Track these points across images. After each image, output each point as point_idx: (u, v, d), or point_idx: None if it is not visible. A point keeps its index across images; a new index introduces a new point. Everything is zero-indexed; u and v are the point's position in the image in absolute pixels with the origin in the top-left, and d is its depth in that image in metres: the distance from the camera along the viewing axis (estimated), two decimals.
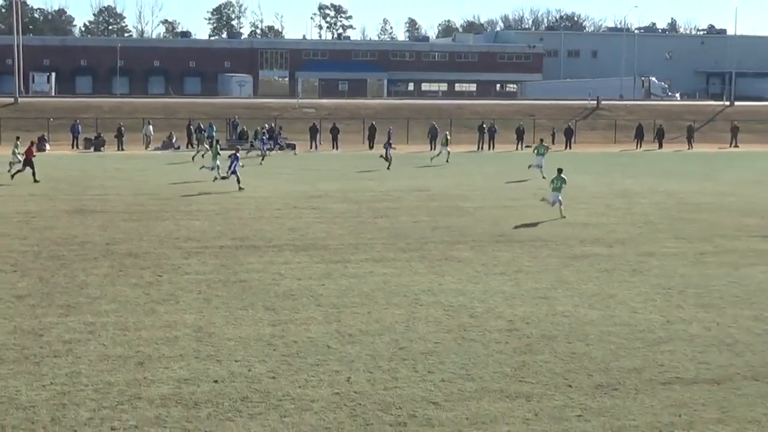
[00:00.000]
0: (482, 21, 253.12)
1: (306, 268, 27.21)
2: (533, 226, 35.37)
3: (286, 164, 61.73)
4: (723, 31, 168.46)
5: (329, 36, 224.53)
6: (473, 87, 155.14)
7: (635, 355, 19.06)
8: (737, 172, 57.96)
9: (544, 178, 49.68)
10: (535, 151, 54.83)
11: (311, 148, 76.06)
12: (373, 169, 56.53)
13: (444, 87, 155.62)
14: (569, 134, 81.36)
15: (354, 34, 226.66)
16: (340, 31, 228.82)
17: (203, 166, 51.53)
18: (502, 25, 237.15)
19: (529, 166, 53.83)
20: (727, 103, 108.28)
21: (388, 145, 60.26)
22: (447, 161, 61.88)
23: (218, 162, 49.30)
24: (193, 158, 61.27)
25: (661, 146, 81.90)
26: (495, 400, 16.29)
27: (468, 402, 16.20)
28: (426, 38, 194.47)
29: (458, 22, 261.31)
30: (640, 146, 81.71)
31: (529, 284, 25.48)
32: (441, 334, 20.45)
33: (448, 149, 63.67)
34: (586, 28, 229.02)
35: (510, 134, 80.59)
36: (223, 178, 47.02)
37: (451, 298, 23.77)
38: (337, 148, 76.06)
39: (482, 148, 78.57)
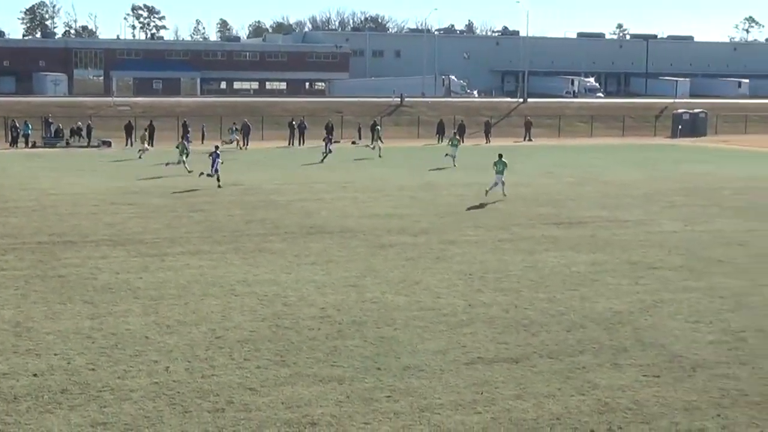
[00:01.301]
0: (291, 22, 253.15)
1: (123, 262, 26.73)
2: (343, 218, 35.57)
3: (102, 161, 60.42)
4: (516, 33, 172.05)
5: (143, 36, 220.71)
6: (283, 85, 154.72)
7: (440, 338, 19.40)
8: (531, 165, 59.50)
9: (455, 166, 57.13)
10: (450, 143, 60.88)
11: (127, 145, 74.60)
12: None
13: (255, 85, 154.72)
14: (375, 129, 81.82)
15: (167, 35, 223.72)
16: (154, 31, 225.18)
17: (168, 162, 52.66)
18: (310, 26, 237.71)
19: (446, 155, 59.03)
20: (521, 99, 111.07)
21: (328, 140, 62.83)
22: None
23: (184, 158, 51.45)
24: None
25: (462, 141, 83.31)
26: (309, 384, 16.35)
27: (283, 387, 16.21)
28: (237, 38, 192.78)
29: (268, 23, 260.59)
30: (442, 141, 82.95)
31: (339, 273, 25.64)
32: (256, 322, 20.40)
33: (381, 144, 65.38)
34: (390, 30, 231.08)
35: (319, 130, 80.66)
36: (209, 175, 45.85)
37: (265, 288, 23.73)
38: (152, 145, 74.77)
39: (293, 144, 78.48)
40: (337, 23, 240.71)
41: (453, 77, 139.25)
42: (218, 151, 46.89)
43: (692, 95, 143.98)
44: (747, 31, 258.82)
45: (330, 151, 61.63)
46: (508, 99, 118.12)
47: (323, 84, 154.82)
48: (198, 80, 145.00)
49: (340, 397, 15.77)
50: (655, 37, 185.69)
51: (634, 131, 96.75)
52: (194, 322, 20.42)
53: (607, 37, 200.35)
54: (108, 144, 73.62)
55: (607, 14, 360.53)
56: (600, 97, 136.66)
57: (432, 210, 38.22)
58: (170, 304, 21.90)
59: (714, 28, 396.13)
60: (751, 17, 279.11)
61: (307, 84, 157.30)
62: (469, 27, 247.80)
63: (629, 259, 28.18)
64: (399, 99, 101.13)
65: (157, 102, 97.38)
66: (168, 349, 18.32)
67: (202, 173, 46.28)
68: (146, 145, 65.35)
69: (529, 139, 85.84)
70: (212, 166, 45.70)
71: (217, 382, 16.42)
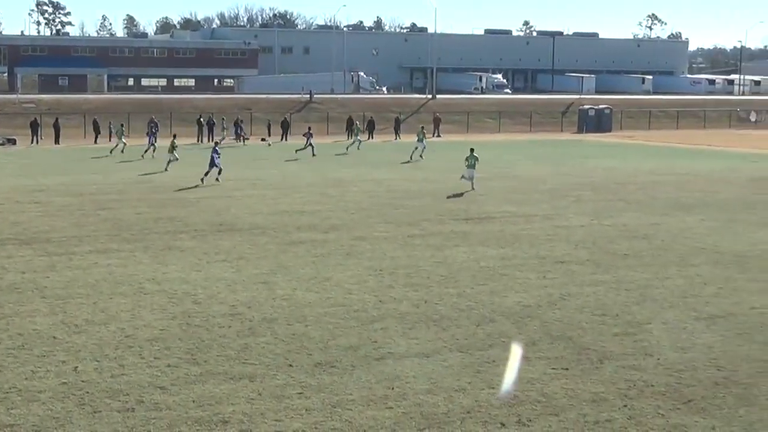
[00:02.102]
0: (199, 18, 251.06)
1: (30, 262, 26.28)
2: (252, 215, 35.41)
3: (7, 159, 59.34)
4: (425, 30, 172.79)
5: (48, 32, 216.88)
6: (192, 82, 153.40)
7: (351, 334, 19.43)
8: (439, 161, 59.82)
9: (421, 158, 60.32)
10: (417, 138, 63.26)
11: (32, 143, 73.35)
12: (97, 162, 55.06)
13: (164, 82, 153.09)
14: (285, 127, 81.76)
15: (73, 31, 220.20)
16: (59, 27, 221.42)
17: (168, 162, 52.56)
18: (218, 22, 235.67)
19: (415, 149, 61.90)
20: (430, 96, 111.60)
21: (309, 135, 64.48)
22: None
23: (176, 154, 52.43)
24: None
25: (371, 137, 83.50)
26: (220, 382, 16.26)
27: (194, 385, 16.10)
28: (145, 35, 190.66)
29: (176, 19, 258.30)
30: (351, 137, 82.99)
31: (249, 270, 25.53)
32: (166, 321, 20.22)
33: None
34: (299, 26, 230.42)
35: (228, 127, 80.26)
36: (206, 173, 46.04)
37: (175, 286, 23.53)
38: (58, 142, 73.70)
39: (201, 141, 77.87)
40: (245, 20, 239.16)
41: (362, 73, 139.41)
42: (217, 148, 47.72)
43: (597, 91, 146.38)
44: (650, 28, 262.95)
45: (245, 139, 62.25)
46: (417, 95, 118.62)
47: (232, 81, 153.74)
48: (105, 77, 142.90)
49: (252, 395, 15.71)
50: (561, 34, 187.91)
51: (541, 127, 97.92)
52: (103, 321, 20.16)
53: (514, 34, 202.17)
54: (13, 142, 72.39)
55: (514, 11, 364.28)
56: (507, 94, 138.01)
57: (341, 206, 38.24)
58: (78, 304, 21.59)
59: (618, 26, 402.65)
60: (654, 15, 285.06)
61: (216, 81, 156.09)
62: (378, 23, 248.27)
63: (537, 254, 28.50)
64: (308, 96, 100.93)
65: (63, 99, 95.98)
66: (76, 349, 18.06)
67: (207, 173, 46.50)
68: (123, 140, 65.10)
69: (438, 135, 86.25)
70: (211, 164, 46.24)
71: (127, 382, 16.24)
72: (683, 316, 21.34)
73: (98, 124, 75.79)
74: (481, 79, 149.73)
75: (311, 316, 20.81)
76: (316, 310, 21.34)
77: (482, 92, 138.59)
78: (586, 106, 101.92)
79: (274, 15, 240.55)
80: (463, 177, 44.51)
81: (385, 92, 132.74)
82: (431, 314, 21.14)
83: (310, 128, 67.17)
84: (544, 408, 15.34)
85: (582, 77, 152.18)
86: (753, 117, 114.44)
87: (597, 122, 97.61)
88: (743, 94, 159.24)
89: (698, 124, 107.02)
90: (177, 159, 52.12)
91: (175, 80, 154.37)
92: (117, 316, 20.55)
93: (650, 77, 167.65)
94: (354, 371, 17.01)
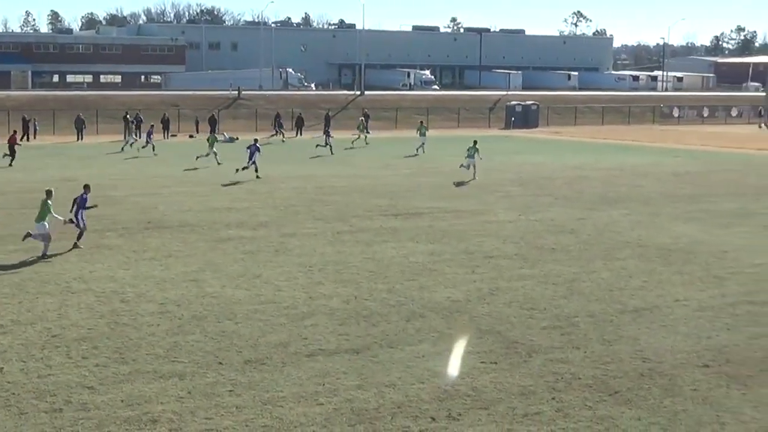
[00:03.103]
0: (125, 14, 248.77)
1: None
2: (181, 212, 35.16)
3: None
4: (353, 26, 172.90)
5: None
6: (118, 78, 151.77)
7: (281, 331, 19.38)
8: (368, 157, 59.87)
9: (423, 152, 61.96)
10: (419, 132, 64.54)
11: None
12: (21, 160, 54.28)
13: (89, 78, 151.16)
14: (213, 123, 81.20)
15: None
16: None
17: (199, 156, 53.27)
18: (144, 18, 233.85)
19: (419, 147, 62.84)
20: (358, 92, 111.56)
21: (327, 133, 64.90)
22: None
23: (215, 149, 54.03)
24: None
25: (300, 133, 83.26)
26: (149, 381, 16.13)
27: (122, 384, 15.95)
28: (70, 31, 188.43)
29: (101, 15, 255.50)
30: (279, 134, 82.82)
31: (178, 268, 25.35)
32: (94, 320, 20.00)
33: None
34: (226, 22, 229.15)
35: (156, 124, 79.57)
36: (244, 168, 46.83)
37: (102, 284, 23.28)
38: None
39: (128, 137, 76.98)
40: (172, 15, 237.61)
41: (290, 70, 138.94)
42: (258, 144, 48.39)
43: (524, 87, 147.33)
44: (576, 25, 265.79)
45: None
46: (346, 92, 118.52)
47: (159, 77, 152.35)
48: (29, 73, 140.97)
49: (182, 393, 15.60)
50: (488, 30, 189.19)
51: (469, 123, 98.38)
52: (29, 321, 19.88)
53: (442, 30, 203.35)
54: None
55: (441, 8, 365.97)
56: (435, 90, 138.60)
57: (270, 203, 38.11)
58: (3, 303, 21.26)
59: (544, 23, 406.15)
60: (579, 12, 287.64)
61: (143, 77, 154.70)
62: (306, 20, 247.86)
63: (466, 249, 28.65)
64: (236, 92, 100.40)
65: None
66: (2, 350, 17.79)
67: (237, 169, 47.14)
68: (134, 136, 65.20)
69: (367, 132, 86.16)
70: (250, 159, 46.94)
71: (54, 382, 16.04)
72: (609, 309, 21.59)
73: (27, 120, 74.60)
74: (409, 76, 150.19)
75: (241, 313, 20.72)
76: (246, 307, 21.26)
77: (410, 88, 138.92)
78: (513, 102, 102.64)
79: (201, 11, 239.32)
80: (462, 166, 48.13)
81: (314, 89, 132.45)
82: (361, 310, 21.15)
83: (328, 123, 67.75)
84: (473, 402, 15.44)
85: (509, 74, 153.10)
86: (734, 112, 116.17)
87: (524, 118, 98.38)
88: (666, 90, 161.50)
89: (623, 119, 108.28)
90: (211, 154, 53.97)
91: (101, 77, 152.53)
92: (43, 316, 20.28)
93: (576, 73, 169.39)
94: (284, 368, 16.97)
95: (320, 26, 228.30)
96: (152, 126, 66.90)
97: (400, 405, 15.24)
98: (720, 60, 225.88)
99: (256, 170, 46.56)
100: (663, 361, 17.70)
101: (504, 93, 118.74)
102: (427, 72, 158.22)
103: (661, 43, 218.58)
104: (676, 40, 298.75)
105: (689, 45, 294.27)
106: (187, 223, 32.87)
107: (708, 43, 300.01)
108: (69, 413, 14.66)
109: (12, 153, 53.42)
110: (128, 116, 78.48)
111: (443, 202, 38.98)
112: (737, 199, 41.44)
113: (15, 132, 57.77)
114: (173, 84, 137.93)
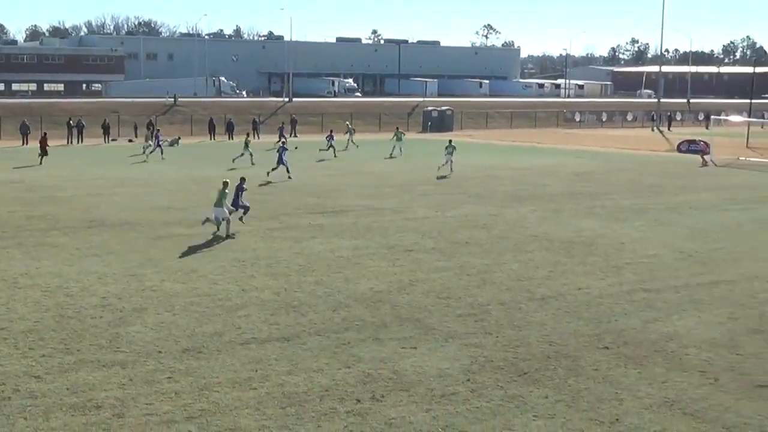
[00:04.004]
0: (67, 26, 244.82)
1: None
2: (122, 212, 34.75)
3: None
4: (281, 38, 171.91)
5: None
6: (61, 87, 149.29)
7: (216, 321, 19.27)
8: (297, 158, 59.59)
9: (398, 154, 62.41)
10: (395, 138, 64.65)
11: None
12: None
13: (33, 87, 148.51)
14: (151, 128, 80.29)
15: None
16: None
17: (236, 157, 54.30)
18: (86, 30, 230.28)
19: (393, 149, 63.25)
20: (287, 99, 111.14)
21: (330, 137, 63.42)
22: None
23: (250, 150, 55.43)
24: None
25: (231, 138, 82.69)
26: (93, 370, 15.94)
27: (67, 373, 15.74)
28: (14, 42, 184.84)
29: (45, 26, 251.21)
30: (214, 138, 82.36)
31: (119, 264, 25.06)
32: (40, 313, 19.70)
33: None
34: (163, 34, 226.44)
35: (97, 129, 78.69)
36: (273, 169, 46.93)
37: (48, 280, 22.94)
38: None
39: (72, 143, 75.95)
40: (112, 27, 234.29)
41: (223, 78, 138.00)
42: (285, 146, 48.73)
43: (440, 94, 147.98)
44: (486, 37, 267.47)
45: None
46: (275, 98, 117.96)
47: (100, 85, 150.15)
48: None
49: (123, 381, 15.44)
50: (407, 41, 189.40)
51: (389, 127, 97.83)
52: None
53: (364, 41, 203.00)
54: None
55: (363, 21, 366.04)
56: (358, 97, 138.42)
57: (205, 203, 37.71)
58: None
59: (457, 35, 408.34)
60: (489, 25, 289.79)
61: (84, 85, 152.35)
62: (237, 32, 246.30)
63: (387, 243, 28.72)
64: (173, 99, 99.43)
65: None
66: None
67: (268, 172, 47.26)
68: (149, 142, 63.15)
69: (295, 136, 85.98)
70: (279, 161, 47.19)
71: (2, 372, 15.77)
72: (519, 297, 21.81)
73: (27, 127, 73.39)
74: (333, 84, 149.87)
75: (179, 305, 20.56)
76: (183, 299, 21.10)
77: (335, 95, 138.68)
78: (430, 108, 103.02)
79: (139, 23, 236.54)
80: (442, 165, 49.91)
81: (245, 96, 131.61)
82: (291, 301, 21.11)
83: (332, 131, 67.47)
84: (395, 384, 15.49)
85: (425, 81, 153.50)
86: (630, 117, 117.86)
87: (440, 122, 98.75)
88: (569, 96, 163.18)
89: (530, 123, 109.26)
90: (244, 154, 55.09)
91: (45, 85, 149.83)
92: None
93: (487, 81, 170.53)
94: (220, 356, 16.88)
95: (251, 38, 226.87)
96: (158, 130, 65.17)
97: (327, 388, 15.24)
98: (617, 69, 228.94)
99: (288, 171, 47.25)
100: (567, 344, 17.93)
101: (421, 99, 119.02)
102: (350, 80, 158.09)
103: (564, 53, 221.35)
104: (578, 51, 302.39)
105: (589, 56, 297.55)
106: (128, 221, 32.49)
107: (606, 54, 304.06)
108: (17, 401, 14.44)
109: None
110: (71, 122, 77.39)
111: (367, 200, 39.01)
112: (633, 196, 42.08)
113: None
114: (113, 92, 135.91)
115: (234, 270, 24.47)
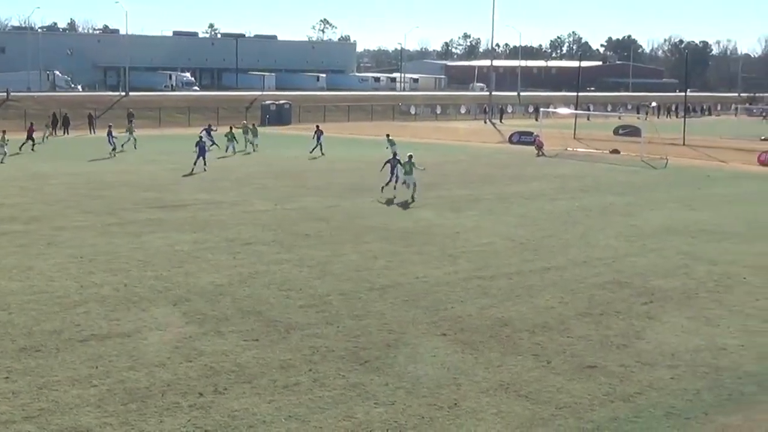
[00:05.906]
0: None
1: None
2: None
3: None
4: (117, 31, 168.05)
5: None
6: None
7: (54, 319, 18.74)
8: (135, 153, 58.53)
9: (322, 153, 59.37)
10: (389, 144, 55.38)
11: None
12: None
13: None
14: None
15: None
16: None
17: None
18: None
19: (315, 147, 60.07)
20: (123, 93, 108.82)
21: (318, 135, 60.80)
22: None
23: (257, 140, 60.54)
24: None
25: (67, 132, 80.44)
26: None
27: None
28: None
29: None
30: (55, 134, 79.84)
31: None
32: None
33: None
34: None
35: None
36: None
37: None
38: None
39: None
40: None
41: (57, 72, 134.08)
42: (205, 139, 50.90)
43: (278, 88, 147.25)
44: (323, 31, 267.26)
45: None
46: (111, 92, 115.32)
47: None
48: None
49: None
50: (244, 36, 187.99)
51: (227, 121, 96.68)
52: None
53: (201, 35, 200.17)
54: None
55: (199, 14, 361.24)
56: (196, 91, 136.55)
57: (40, 198, 36.71)
58: None
59: (294, 29, 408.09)
60: (326, 19, 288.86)
61: None
62: (72, 25, 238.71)
63: (227, 237, 28.49)
64: (5, 94, 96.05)
65: None
66: None
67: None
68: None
69: (93, 132, 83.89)
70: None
71: None
72: (358, 287, 21.97)
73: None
74: (171, 78, 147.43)
75: (15, 303, 19.90)
76: (20, 297, 20.43)
77: (172, 89, 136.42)
78: (268, 102, 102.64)
79: None
80: (404, 183, 39.00)
81: (80, 90, 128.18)
82: (131, 296, 20.72)
83: (318, 126, 64.17)
84: (237, 376, 15.40)
85: (263, 75, 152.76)
86: (463, 109, 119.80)
87: (278, 116, 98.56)
88: (404, 90, 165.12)
89: (366, 116, 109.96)
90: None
91: None
92: None
93: (324, 75, 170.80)
94: (59, 354, 16.43)
95: (86, 31, 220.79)
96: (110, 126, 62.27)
97: (169, 383, 15.04)
98: (450, 63, 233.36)
99: (204, 163, 48.17)
100: (406, 332, 18.18)
101: (259, 93, 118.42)
102: (188, 74, 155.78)
103: (399, 48, 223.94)
104: (412, 46, 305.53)
105: (423, 50, 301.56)
106: None
107: (440, 49, 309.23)
108: None
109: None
110: None
111: (205, 194, 38.59)
112: (467, 186, 42.95)
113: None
114: None
115: (72, 266, 23.84)
